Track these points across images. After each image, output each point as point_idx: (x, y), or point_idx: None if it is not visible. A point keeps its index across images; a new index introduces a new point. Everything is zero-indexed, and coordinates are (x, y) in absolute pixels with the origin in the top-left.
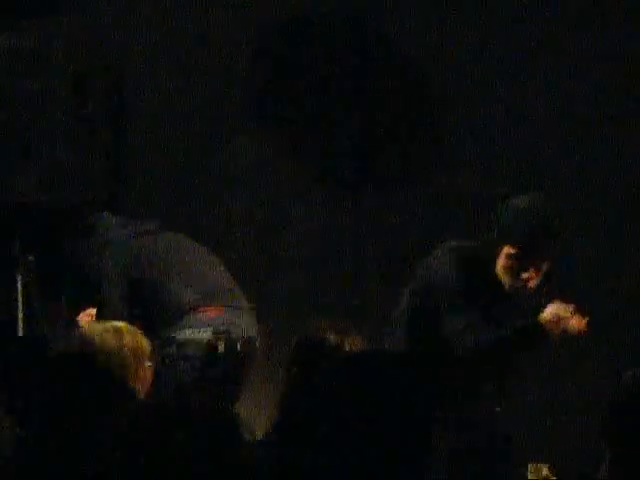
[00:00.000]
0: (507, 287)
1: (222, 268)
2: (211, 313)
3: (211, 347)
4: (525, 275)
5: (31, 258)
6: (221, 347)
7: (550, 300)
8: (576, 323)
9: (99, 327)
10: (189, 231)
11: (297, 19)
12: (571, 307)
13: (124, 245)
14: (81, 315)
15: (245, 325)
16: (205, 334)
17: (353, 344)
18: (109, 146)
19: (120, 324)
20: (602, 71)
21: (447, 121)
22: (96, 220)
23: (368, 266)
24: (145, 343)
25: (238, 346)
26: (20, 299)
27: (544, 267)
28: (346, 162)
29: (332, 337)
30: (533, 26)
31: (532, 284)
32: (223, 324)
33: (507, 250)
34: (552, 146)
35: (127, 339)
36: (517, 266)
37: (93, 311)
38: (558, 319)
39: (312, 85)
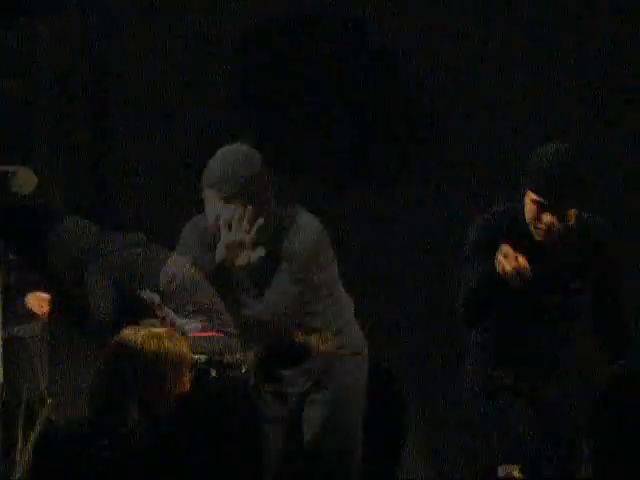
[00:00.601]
0: (535, 235)
1: (206, 284)
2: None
3: (203, 372)
4: (546, 218)
5: (12, 257)
6: (213, 373)
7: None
8: (508, 266)
9: (141, 332)
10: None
11: (296, 16)
12: (509, 251)
13: (114, 258)
14: (31, 296)
15: (234, 350)
16: (199, 357)
17: (321, 344)
18: (93, 147)
19: (161, 330)
20: (601, 71)
21: (445, 120)
22: (69, 224)
23: (367, 266)
24: (186, 351)
25: (229, 372)
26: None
27: (569, 215)
28: (343, 161)
29: (300, 337)
30: (532, 24)
31: (554, 230)
32: (215, 349)
33: (530, 196)
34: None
35: (168, 346)
36: (540, 213)
37: (46, 297)
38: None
39: (310, 83)
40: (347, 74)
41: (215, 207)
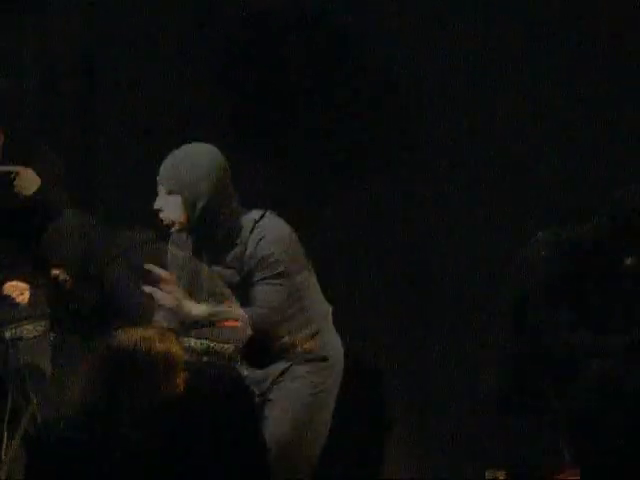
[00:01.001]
0: (626, 267)
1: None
2: (227, 325)
3: (233, 360)
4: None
5: (2, 256)
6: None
7: None
8: None
9: (132, 334)
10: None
11: (294, 17)
12: None
13: (135, 256)
14: (10, 285)
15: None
16: (228, 346)
17: (303, 344)
18: (80, 146)
19: (152, 332)
20: (600, 71)
21: (445, 120)
22: (69, 217)
23: (367, 266)
24: (178, 352)
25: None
26: None
27: None
28: (342, 161)
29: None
30: (532, 24)
31: None
32: (239, 338)
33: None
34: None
35: (159, 347)
36: (630, 244)
37: (24, 286)
38: None
39: (307, 84)
40: (345, 74)
41: (159, 199)
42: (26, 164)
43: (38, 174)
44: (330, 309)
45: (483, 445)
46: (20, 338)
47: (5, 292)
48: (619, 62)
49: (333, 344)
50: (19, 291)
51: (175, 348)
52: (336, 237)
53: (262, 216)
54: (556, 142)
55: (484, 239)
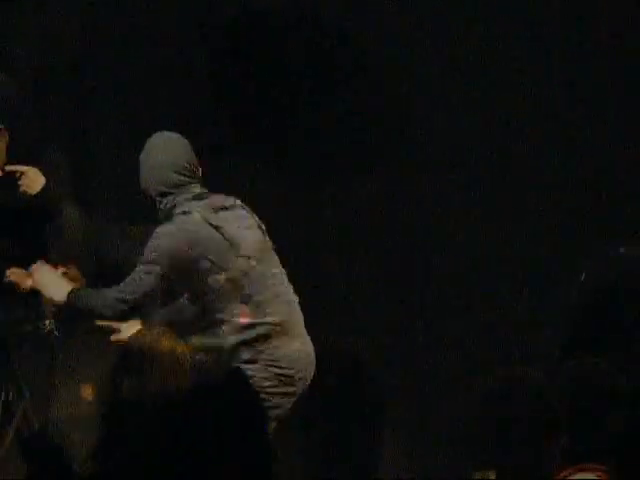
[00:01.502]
0: None
1: None
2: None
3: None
4: None
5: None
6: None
7: None
8: None
9: (141, 334)
10: None
11: (291, 16)
12: None
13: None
14: (12, 272)
15: None
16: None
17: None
18: (80, 146)
19: (156, 332)
20: (600, 70)
21: (444, 120)
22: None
23: (366, 265)
24: (184, 351)
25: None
26: None
27: None
28: (322, 162)
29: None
30: (532, 24)
31: None
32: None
33: None
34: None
35: (165, 347)
36: None
37: (25, 272)
38: None
39: (301, 83)
40: (345, 74)
41: None
42: (31, 164)
43: (43, 174)
44: (293, 306)
45: (483, 445)
46: (19, 337)
47: (8, 278)
48: (619, 62)
49: (287, 350)
50: (22, 278)
51: (180, 348)
52: (336, 237)
53: (186, 212)
54: (556, 142)
55: (484, 239)
